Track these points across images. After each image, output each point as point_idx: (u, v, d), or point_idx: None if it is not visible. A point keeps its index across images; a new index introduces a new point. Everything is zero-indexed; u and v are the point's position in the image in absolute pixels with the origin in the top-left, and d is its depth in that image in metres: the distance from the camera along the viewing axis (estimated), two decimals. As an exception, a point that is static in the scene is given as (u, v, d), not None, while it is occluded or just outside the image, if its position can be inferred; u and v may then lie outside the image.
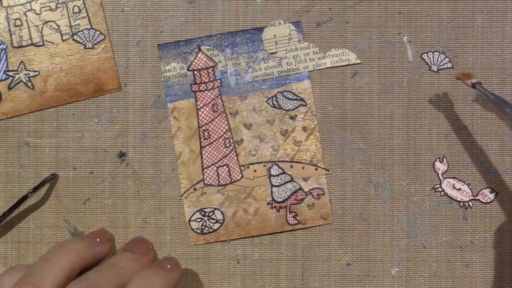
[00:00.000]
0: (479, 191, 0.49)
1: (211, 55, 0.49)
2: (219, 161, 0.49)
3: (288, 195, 0.49)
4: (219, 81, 0.49)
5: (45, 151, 0.49)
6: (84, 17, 0.49)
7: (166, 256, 0.48)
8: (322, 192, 0.49)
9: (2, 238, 0.49)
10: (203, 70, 0.49)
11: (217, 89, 0.49)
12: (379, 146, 0.49)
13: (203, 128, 0.49)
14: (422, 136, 0.49)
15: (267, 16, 0.49)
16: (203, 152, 0.49)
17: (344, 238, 0.49)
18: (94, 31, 0.49)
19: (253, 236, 0.49)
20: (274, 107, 0.49)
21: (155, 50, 0.49)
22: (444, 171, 0.49)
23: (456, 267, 0.49)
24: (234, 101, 0.49)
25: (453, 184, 0.49)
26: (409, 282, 0.49)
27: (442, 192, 0.49)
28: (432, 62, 0.49)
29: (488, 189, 0.49)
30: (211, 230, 0.49)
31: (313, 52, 0.49)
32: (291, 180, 0.49)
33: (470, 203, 0.49)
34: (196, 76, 0.49)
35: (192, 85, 0.49)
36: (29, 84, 0.49)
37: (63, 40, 0.49)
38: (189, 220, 0.49)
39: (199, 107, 0.49)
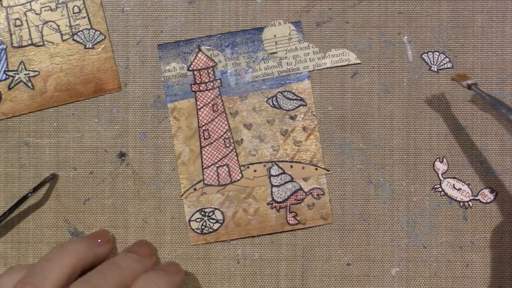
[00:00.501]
0: (479, 191, 0.49)
1: (211, 55, 0.49)
2: (219, 161, 0.49)
3: (288, 195, 0.49)
4: (219, 81, 0.49)
5: (45, 151, 0.49)
6: (84, 17, 0.49)
7: (168, 261, 0.48)
8: (322, 192, 0.49)
9: (2, 238, 0.49)
10: (203, 70, 0.49)
11: (217, 89, 0.49)
12: (379, 146, 0.49)
13: (203, 128, 0.49)
14: (422, 136, 0.49)
15: (267, 16, 0.49)
16: (203, 152, 0.49)
17: (344, 238, 0.49)
18: (94, 31, 0.49)
19: (253, 236, 0.49)
20: (274, 107, 0.49)
21: (155, 50, 0.49)
22: (444, 171, 0.49)
23: (456, 267, 0.49)
24: (234, 101, 0.49)
25: (453, 184, 0.49)
26: (409, 282, 0.49)
27: (442, 192, 0.49)
28: (432, 62, 0.49)
29: (488, 189, 0.49)
30: (211, 230, 0.49)
31: (313, 52, 0.49)
32: (291, 180, 0.49)
33: (470, 203, 0.49)
34: (196, 76, 0.49)
35: (192, 85, 0.49)
36: (29, 84, 0.49)
37: (63, 40, 0.49)
38: (189, 220, 0.49)
39: (199, 107, 0.49)
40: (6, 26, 0.49)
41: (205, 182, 0.49)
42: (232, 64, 0.49)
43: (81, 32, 0.49)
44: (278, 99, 0.49)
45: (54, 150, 0.49)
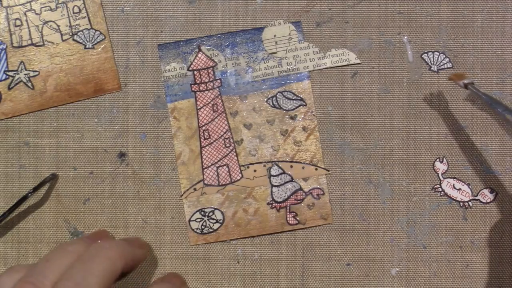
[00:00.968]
0: (479, 191, 0.49)
1: (211, 55, 0.49)
2: (219, 161, 0.49)
3: (288, 195, 0.49)
4: (219, 81, 0.49)
5: (45, 151, 0.49)
6: (84, 17, 0.49)
7: (172, 273, 0.48)
8: (322, 192, 0.49)
9: (2, 238, 0.49)
10: (203, 70, 0.49)
11: (217, 89, 0.49)
12: (379, 146, 0.49)
13: (203, 128, 0.49)
14: (422, 136, 0.49)
15: (267, 16, 0.49)
16: (203, 152, 0.49)
17: (344, 238, 0.49)
18: (94, 31, 0.49)
19: (253, 236, 0.49)
20: (274, 107, 0.49)
21: (155, 50, 0.49)
22: (444, 171, 0.49)
23: (456, 267, 0.49)
24: (234, 101, 0.49)
25: (453, 184, 0.49)
26: (409, 282, 0.49)
27: (442, 192, 0.49)
28: (432, 62, 0.49)
29: (488, 189, 0.49)
30: (211, 230, 0.49)
31: (313, 52, 0.49)
32: (291, 180, 0.49)
33: (470, 203, 0.49)
34: (196, 76, 0.49)
35: (192, 85, 0.49)
36: (29, 84, 0.49)
37: (63, 40, 0.49)
38: (189, 220, 0.49)
39: (199, 107, 0.49)
40: (6, 26, 0.49)
41: (205, 182, 0.49)
42: (232, 64, 0.49)
43: (81, 32, 0.49)
44: (278, 99, 0.49)
45: (54, 150, 0.49)
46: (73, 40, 0.49)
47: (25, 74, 0.49)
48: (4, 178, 0.49)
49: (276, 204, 0.49)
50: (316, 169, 0.49)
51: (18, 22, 0.49)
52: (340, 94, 0.49)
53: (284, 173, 0.49)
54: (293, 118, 0.49)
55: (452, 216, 0.49)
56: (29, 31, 0.49)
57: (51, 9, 0.49)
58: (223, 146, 0.49)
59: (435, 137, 0.49)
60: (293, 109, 0.49)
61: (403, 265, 0.49)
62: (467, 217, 0.49)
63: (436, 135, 0.49)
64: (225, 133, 0.49)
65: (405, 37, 0.49)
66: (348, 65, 0.49)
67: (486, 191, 0.49)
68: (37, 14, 0.49)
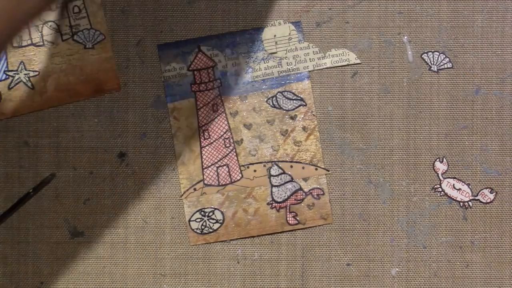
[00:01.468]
0: (479, 191, 0.49)
1: (211, 55, 0.49)
2: (219, 161, 0.49)
3: (288, 195, 0.49)
4: (219, 81, 0.49)
5: (45, 151, 0.49)
6: (84, 17, 0.49)
7: None
8: (322, 192, 0.49)
9: (2, 238, 0.49)
10: (203, 70, 0.49)
11: (217, 89, 0.49)
12: (379, 146, 0.49)
13: (203, 128, 0.49)
14: (422, 136, 0.49)
15: (267, 16, 0.49)
16: (203, 152, 0.49)
17: (344, 238, 0.49)
18: (94, 31, 0.49)
19: (253, 236, 0.49)
20: (274, 107, 0.49)
21: (155, 50, 0.49)
22: (444, 171, 0.49)
23: (456, 267, 0.49)
24: (234, 101, 0.49)
25: (453, 184, 0.49)
26: (409, 282, 0.49)
27: (442, 192, 0.49)
28: (432, 62, 0.49)
29: (488, 189, 0.49)
30: (211, 230, 0.49)
31: (313, 52, 0.49)
32: (291, 180, 0.49)
33: (470, 203, 0.49)
34: (196, 76, 0.49)
35: (192, 85, 0.49)
36: (29, 84, 0.49)
37: (63, 40, 0.49)
38: (189, 220, 0.49)
39: (199, 107, 0.49)
40: (6, 26, 0.49)
41: (205, 182, 0.49)
42: (232, 64, 0.49)
43: (81, 32, 0.49)
44: (278, 99, 0.49)
45: (54, 150, 0.49)
46: (73, 40, 0.49)
47: (25, 74, 0.49)
48: (4, 178, 0.49)
49: (276, 204, 0.49)
50: (316, 169, 0.49)
51: (18, 22, 0.49)
52: (340, 94, 0.49)
53: (284, 173, 0.49)
54: (293, 118, 0.49)
55: (452, 216, 0.49)
56: (29, 31, 0.49)
57: (51, 9, 0.49)
58: (223, 146, 0.49)
59: (435, 137, 0.49)
60: (293, 109, 0.49)
61: (403, 265, 0.49)
62: (467, 217, 0.49)
63: (436, 135, 0.49)
64: (225, 133, 0.49)
65: (405, 37, 0.49)
66: (348, 65, 0.49)
67: (486, 191, 0.49)
68: (37, 14, 0.49)
